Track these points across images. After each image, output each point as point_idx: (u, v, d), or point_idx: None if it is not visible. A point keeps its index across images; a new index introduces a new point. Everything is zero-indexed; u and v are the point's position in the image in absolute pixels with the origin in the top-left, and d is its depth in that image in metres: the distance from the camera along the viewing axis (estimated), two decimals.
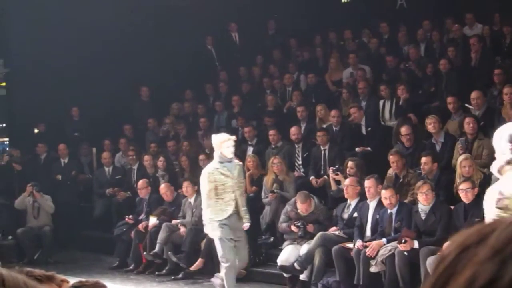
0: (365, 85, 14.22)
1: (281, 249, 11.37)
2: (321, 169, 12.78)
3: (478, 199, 9.71)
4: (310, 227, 11.10)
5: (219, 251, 10.23)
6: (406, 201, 10.68)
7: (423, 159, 10.86)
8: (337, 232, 10.92)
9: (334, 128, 13.47)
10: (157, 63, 17.44)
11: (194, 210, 12.82)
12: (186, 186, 13.01)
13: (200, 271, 12.34)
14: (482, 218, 5.65)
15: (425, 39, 15.63)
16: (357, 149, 12.68)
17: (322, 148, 12.86)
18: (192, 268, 12.32)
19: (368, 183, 10.62)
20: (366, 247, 10.17)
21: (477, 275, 0.93)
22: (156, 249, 12.81)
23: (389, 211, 10.36)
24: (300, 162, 13.34)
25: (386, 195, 10.27)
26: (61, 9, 16.46)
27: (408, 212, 10.27)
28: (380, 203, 10.48)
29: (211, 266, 12.19)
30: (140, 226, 13.40)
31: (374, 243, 10.15)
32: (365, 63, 15.52)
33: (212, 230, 10.23)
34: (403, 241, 9.80)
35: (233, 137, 10.50)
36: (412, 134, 11.80)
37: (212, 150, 10.62)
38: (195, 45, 18.26)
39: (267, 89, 16.54)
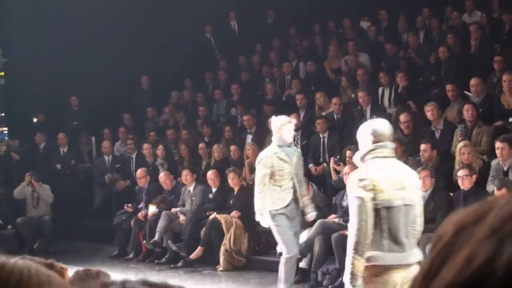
0: (364, 71, 14.20)
1: None
2: (320, 157, 12.77)
3: (478, 186, 9.76)
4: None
5: (279, 241, 9.44)
6: None
7: (423, 147, 10.84)
8: (336, 220, 10.94)
9: (335, 116, 13.45)
10: (156, 52, 17.42)
11: (193, 198, 12.83)
12: (185, 175, 13.01)
13: (200, 260, 12.36)
14: None
15: (424, 27, 15.60)
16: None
17: (321, 136, 12.86)
18: (192, 256, 12.33)
19: None
20: None
21: (475, 254, 0.92)
22: (156, 237, 12.81)
23: None
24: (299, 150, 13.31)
25: None
26: None
27: None
28: None
29: (211, 255, 12.22)
30: (140, 215, 13.40)
31: None
32: (364, 50, 15.50)
33: (266, 219, 9.33)
34: None
35: (294, 120, 9.82)
36: (411, 122, 11.77)
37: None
38: (194, 34, 18.24)
39: (266, 77, 16.52)
